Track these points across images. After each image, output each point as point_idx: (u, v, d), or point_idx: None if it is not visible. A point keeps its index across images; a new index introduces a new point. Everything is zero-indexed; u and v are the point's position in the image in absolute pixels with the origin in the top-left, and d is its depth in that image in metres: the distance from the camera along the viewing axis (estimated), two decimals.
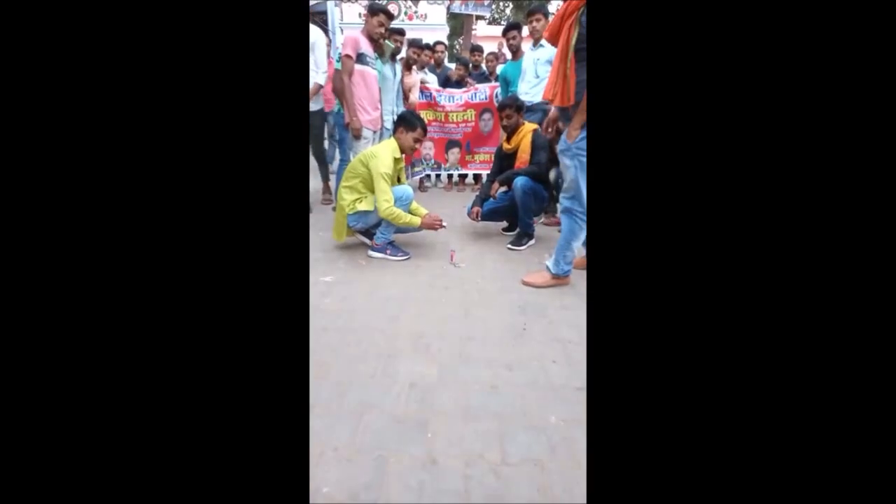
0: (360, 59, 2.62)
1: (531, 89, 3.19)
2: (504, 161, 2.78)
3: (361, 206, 2.28)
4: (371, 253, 2.37)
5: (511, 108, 2.60)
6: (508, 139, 2.68)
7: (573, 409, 1.22)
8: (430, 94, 3.92)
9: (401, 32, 3.35)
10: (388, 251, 2.35)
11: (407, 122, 2.30)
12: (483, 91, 3.94)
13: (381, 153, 2.23)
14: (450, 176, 4.45)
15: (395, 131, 2.34)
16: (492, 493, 0.95)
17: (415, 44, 3.76)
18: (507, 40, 3.56)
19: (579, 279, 2.13)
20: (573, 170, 1.81)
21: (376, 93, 2.81)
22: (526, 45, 3.35)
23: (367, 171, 2.24)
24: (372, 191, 2.29)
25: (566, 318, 1.75)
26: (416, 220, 2.29)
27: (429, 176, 4.35)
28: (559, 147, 1.89)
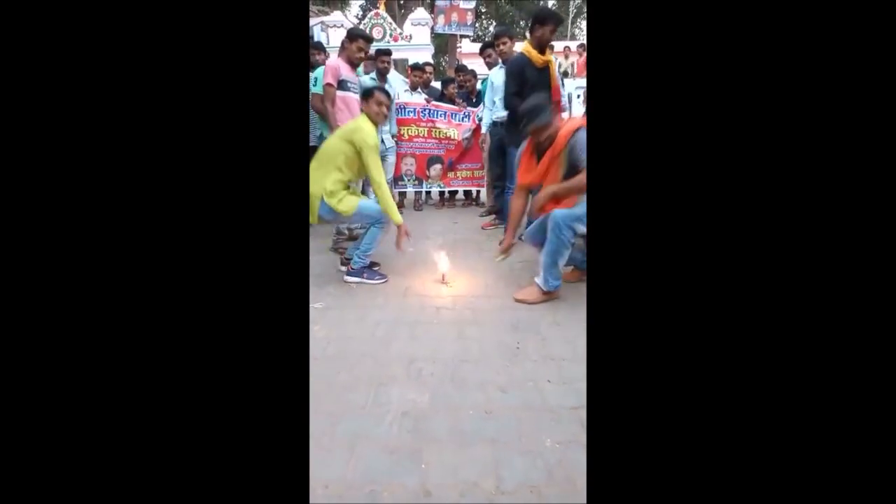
0: (342, 85, 2.64)
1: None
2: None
3: (341, 206, 2.15)
4: (347, 278, 2.30)
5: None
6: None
7: (568, 429, 1.20)
8: (415, 109, 3.95)
9: (387, 53, 3.38)
10: (366, 275, 2.29)
11: (363, 95, 2.24)
12: (467, 113, 4.01)
13: (363, 125, 2.14)
14: (441, 193, 4.47)
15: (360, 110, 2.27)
16: None
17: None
18: (484, 57, 3.62)
19: (570, 292, 2.12)
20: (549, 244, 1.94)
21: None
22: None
23: (352, 148, 2.12)
24: (354, 174, 2.20)
25: (559, 334, 1.74)
26: (399, 219, 2.19)
27: (420, 193, 4.36)
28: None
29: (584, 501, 0.96)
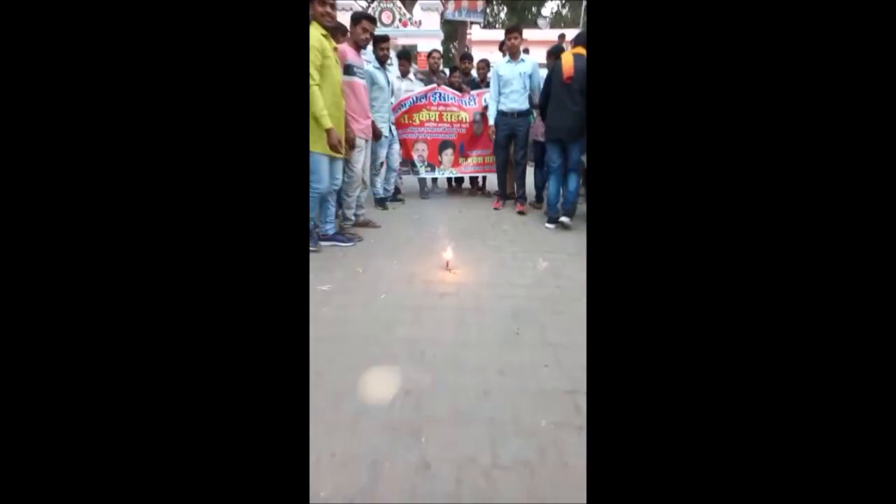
0: (348, 70, 2.65)
1: (519, 98, 3.45)
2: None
3: (312, 136, 2.28)
4: (321, 243, 2.58)
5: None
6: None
7: (563, 412, 1.26)
8: (426, 95, 3.96)
9: (385, 39, 3.38)
10: (338, 240, 2.64)
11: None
12: (472, 97, 4.03)
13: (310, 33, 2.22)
14: (448, 180, 4.51)
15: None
16: (482, 495, 0.99)
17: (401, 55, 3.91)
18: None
19: (571, 284, 2.17)
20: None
21: (366, 102, 2.85)
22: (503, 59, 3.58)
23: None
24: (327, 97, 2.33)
25: (557, 322, 1.79)
26: (327, 123, 2.31)
27: (425, 181, 4.38)
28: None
29: (575, 480, 1.02)
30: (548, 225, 3.18)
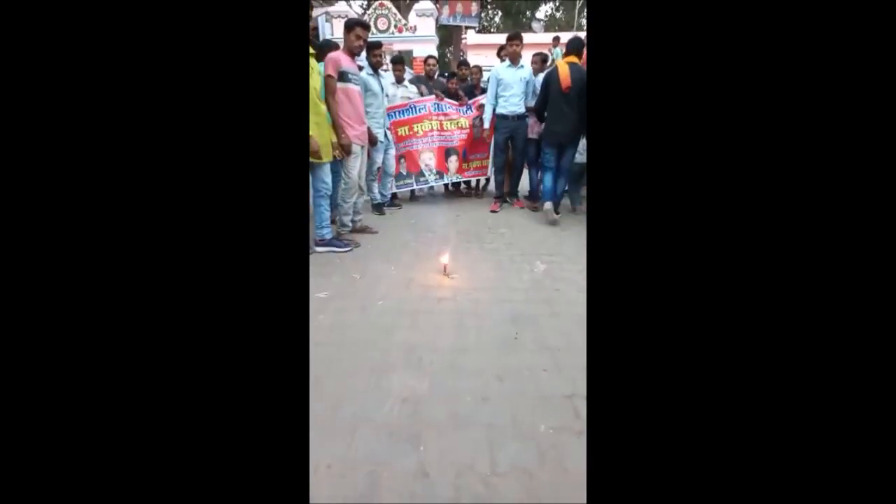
0: (343, 76, 2.65)
1: (519, 102, 3.63)
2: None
3: (314, 147, 2.39)
4: (317, 249, 2.62)
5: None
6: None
7: (562, 416, 1.25)
8: (426, 106, 3.99)
9: (378, 45, 3.37)
10: (335, 245, 2.68)
11: None
12: (469, 106, 4.10)
13: None
14: (445, 185, 4.52)
15: None
16: (481, 501, 0.98)
17: (393, 58, 3.98)
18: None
19: (568, 286, 2.17)
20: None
21: (361, 108, 2.84)
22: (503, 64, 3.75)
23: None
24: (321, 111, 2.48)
25: (555, 325, 1.78)
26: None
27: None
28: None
29: (575, 485, 1.02)
30: (547, 206, 3.37)
